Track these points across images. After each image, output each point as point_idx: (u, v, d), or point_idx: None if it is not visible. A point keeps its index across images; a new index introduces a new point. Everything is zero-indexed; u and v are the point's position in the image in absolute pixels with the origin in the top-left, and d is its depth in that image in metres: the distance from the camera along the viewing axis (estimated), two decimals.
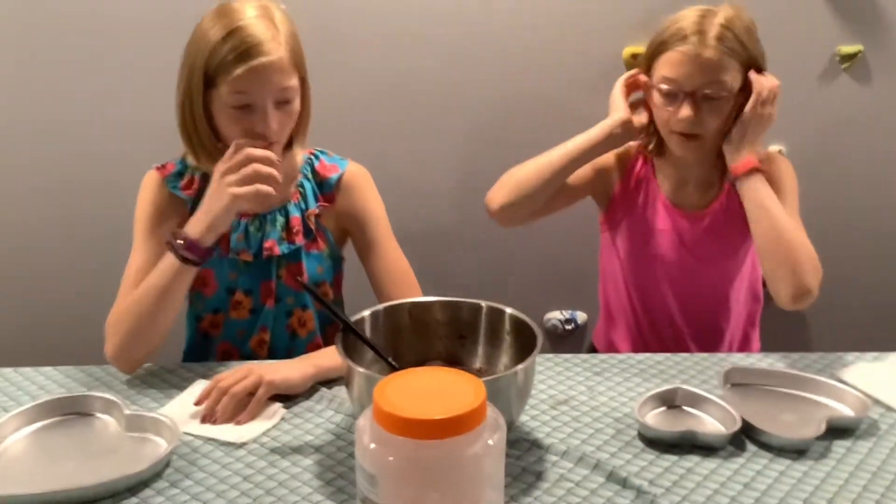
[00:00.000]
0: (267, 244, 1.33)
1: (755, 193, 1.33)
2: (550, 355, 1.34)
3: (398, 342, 1.16)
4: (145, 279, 1.21)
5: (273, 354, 1.37)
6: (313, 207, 1.35)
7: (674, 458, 1.05)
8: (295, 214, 1.35)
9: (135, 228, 1.31)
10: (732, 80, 1.31)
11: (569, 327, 2.06)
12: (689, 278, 1.44)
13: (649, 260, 1.46)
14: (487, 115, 1.95)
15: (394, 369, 1.09)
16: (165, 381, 1.23)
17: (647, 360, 1.33)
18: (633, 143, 1.50)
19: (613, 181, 1.49)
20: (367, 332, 1.12)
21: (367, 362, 1.10)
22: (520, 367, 1.00)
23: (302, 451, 1.06)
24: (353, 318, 1.10)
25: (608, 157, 1.48)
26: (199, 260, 1.20)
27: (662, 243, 1.44)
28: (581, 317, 2.06)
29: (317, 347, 1.38)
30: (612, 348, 1.56)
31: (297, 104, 1.26)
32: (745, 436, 1.09)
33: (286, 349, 1.38)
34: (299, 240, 1.34)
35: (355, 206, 1.38)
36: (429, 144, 1.96)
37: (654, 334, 1.50)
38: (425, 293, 1.35)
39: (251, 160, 1.18)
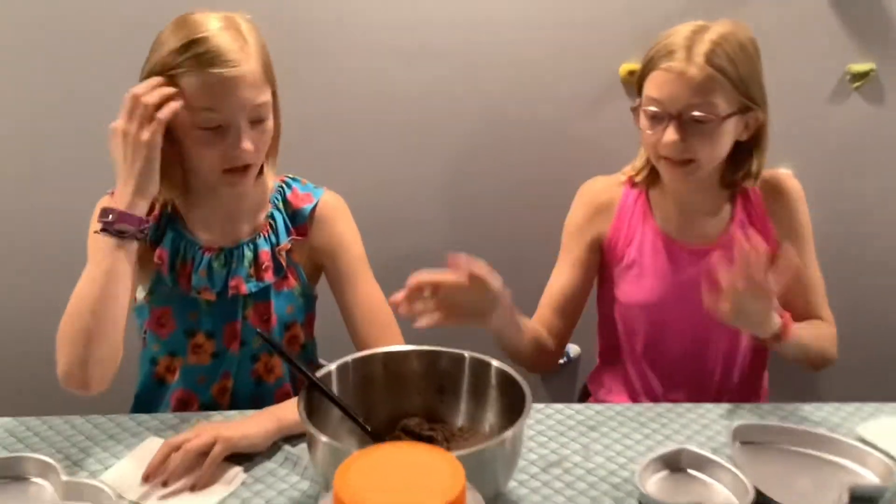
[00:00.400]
0: (233, 282, 1.21)
1: (796, 346, 1.23)
2: (541, 406, 1.22)
3: (370, 395, 1.04)
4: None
5: (236, 404, 1.25)
6: (285, 241, 1.24)
7: None
8: (264, 249, 1.23)
9: (89, 257, 1.18)
10: (723, 101, 1.19)
11: (561, 361, 1.93)
12: (694, 319, 1.31)
13: (648, 302, 1.33)
14: (476, 136, 1.83)
15: (364, 430, 0.98)
16: (113, 437, 1.11)
17: (648, 411, 1.21)
18: (618, 178, 1.37)
19: (605, 227, 1.36)
20: (335, 386, 1.00)
21: (334, 421, 0.99)
22: (507, 433, 0.88)
23: None
24: (320, 373, 0.98)
25: (591, 212, 1.37)
26: (136, 231, 1.09)
27: (662, 283, 1.31)
28: (574, 350, 1.94)
29: (285, 396, 1.26)
30: (608, 394, 1.43)
31: (271, 122, 1.15)
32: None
33: (251, 397, 1.26)
34: (268, 277, 1.23)
35: (330, 239, 1.27)
36: (412, 168, 1.84)
37: (654, 379, 1.37)
38: (409, 328, 1.25)
39: (138, 98, 1.07)
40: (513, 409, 0.96)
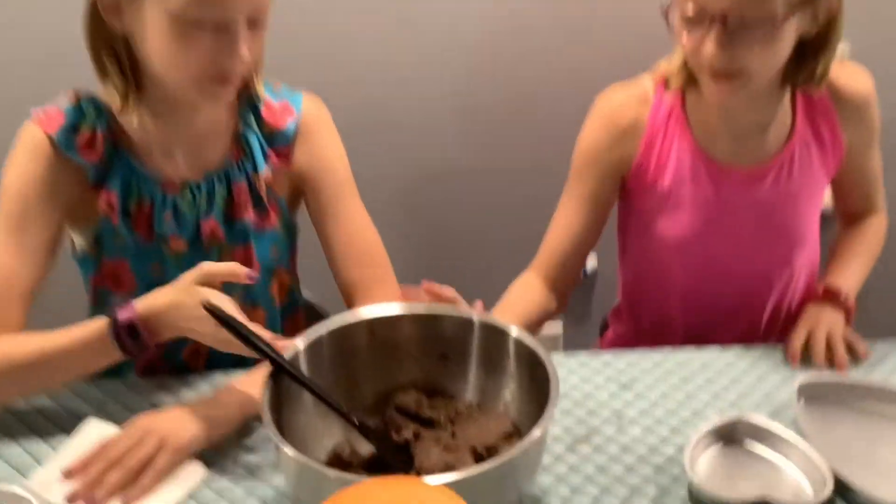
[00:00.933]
0: (206, 226, 0.99)
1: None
2: (562, 356, 1.02)
3: (355, 365, 0.85)
4: (45, 337, 0.87)
5: (213, 367, 1.04)
6: (263, 169, 1.00)
7: None
8: (239, 181, 1.00)
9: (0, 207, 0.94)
10: None
11: None
12: (743, 256, 1.09)
13: (687, 238, 1.09)
14: (489, 40, 1.57)
15: (350, 422, 0.78)
16: (49, 418, 0.91)
17: (690, 360, 1.02)
18: (643, 86, 1.08)
19: (630, 150, 1.08)
20: (305, 366, 0.80)
21: (309, 406, 0.80)
22: (533, 435, 0.68)
23: None
24: (288, 355, 0.78)
25: (612, 134, 1.07)
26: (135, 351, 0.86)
27: (703, 215, 1.07)
28: (591, 264, 1.72)
29: None
30: (635, 337, 1.21)
31: (266, 32, 0.91)
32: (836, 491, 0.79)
33: (231, 359, 1.05)
34: (248, 215, 1.00)
35: (313, 159, 1.04)
36: (424, 73, 1.59)
37: (691, 321, 1.15)
38: (404, 270, 1.05)
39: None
40: (533, 382, 0.78)
